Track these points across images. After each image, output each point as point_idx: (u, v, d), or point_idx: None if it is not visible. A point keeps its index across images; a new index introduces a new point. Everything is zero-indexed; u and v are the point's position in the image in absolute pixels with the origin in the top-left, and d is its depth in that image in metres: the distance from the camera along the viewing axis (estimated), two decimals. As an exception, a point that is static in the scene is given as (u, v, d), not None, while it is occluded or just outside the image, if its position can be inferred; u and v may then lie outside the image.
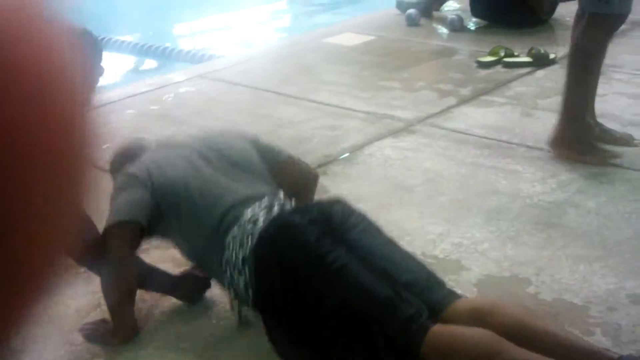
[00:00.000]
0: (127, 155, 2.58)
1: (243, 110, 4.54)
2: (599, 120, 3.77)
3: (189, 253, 2.43)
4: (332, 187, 3.40)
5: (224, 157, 2.44)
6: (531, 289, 2.58)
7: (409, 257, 2.25)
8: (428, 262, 2.75)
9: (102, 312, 2.48)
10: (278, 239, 2.16)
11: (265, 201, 2.29)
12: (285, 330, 2.15)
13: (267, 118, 4.38)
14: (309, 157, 3.75)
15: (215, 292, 2.54)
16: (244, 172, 2.42)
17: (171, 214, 2.32)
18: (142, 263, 2.42)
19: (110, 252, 2.20)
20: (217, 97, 4.85)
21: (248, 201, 2.29)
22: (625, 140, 3.77)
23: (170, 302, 2.55)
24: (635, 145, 3.75)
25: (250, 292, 2.17)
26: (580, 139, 3.60)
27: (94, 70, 2.34)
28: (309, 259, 2.09)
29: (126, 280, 2.26)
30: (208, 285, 2.53)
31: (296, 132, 4.14)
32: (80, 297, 2.61)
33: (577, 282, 2.60)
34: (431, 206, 3.23)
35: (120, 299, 2.27)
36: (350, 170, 3.64)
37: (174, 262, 2.75)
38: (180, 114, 4.52)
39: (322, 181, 3.13)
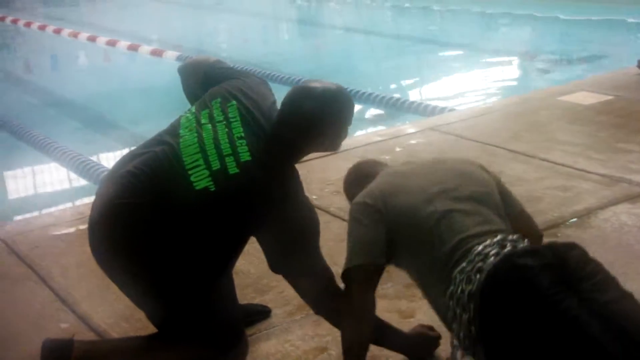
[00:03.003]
0: (361, 175, 2.61)
1: (472, 166, 4.52)
2: None
3: (416, 279, 2.40)
4: (562, 250, 3.30)
5: (461, 185, 2.39)
6: None
7: None
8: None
9: (328, 356, 2.57)
10: (508, 280, 2.08)
11: (498, 237, 2.22)
12: None
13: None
14: (539, 217, 3.65)
15: (441, 347, 2.54)
16: (481, 204, 2.36)
17: (402, 240, 2.32)
18: (377, 319, 2.45)
19: (351, 296, 2.25)
20: (447, 150, 4.88)
21: (481, 235, 2.24)
22: None
23: (395, 354, 2.58)
24: None
25: (473, 329, 2.12)
26: None
27: (344, 131, 2.46)
28: (540, 305, 1.99)
29: (366, 322, 2.27)
30: (438, 344, 2.54)
31: (526, 190, 4.06)
32: (309, 339, 2.71)
33: None
34: (672, 280, 3.04)
35: (357, 341, 2.29)
36: (583, 234, 3.51)
37: (399, 314, 2.79)
38: (409, 166, 4.59)
39: (553, 244, 3.05)
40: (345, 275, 2.30)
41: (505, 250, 2.17)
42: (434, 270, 2.25)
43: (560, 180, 4.23)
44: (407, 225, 2.32)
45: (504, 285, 2.08)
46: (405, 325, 2.64)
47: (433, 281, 2.26)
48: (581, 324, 1.95)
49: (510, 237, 2.25)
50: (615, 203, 3.85)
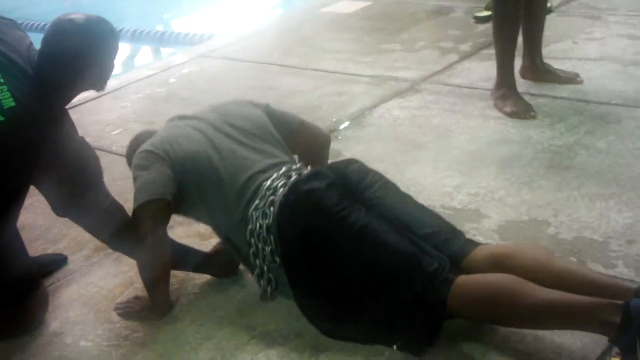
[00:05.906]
0: (142, 142, 2.60)
1: (249, 85, 4.58)
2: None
3: (213, 228, 2.47)
4: (345, 150, 3.45)
5: (238, 127, 2.45)
6: (551, 230, 2.62)
7: (426, 211, 2.28)
8: (447, 213, 2.81)
9: (134, 289, 2.54)
10: (299, 206, 2.18)
11: (283, 169, 2.32)
12: (313, 293, 2.18)
13: (274, 90, 4.41)
14: (319, 123, 3.74)
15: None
16: (259, 141, 2.43)
17: (191, 190, 2.34)
18: (174, 244, 2.45)
19: (142, 233, 2.23)
20: (222, 74, 4.89)
21: (267, 170, 2.32)
22: (570, 79, 3.97)
23: (201, 275, 2.60)
24: (580, 82, 3.92)
25: (277, 259, 2.21)
26: (503, 92, 3.74)
27: (111, 62, 2.37)
28: (331, 222, 2.11)
29: (161, 257, 2.29)
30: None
31: (304, 101, 4.18)
32: (111, 278, 2.66)
33: (595, 219, 2.65)
34: (445, 160, 3.27)
35: (156, 276, 2.31)
36: (362, 133, 3.68)
37: (199, 237, 2.81)
38: (187, 94, 4.56)
39: (335, 145, 3.17)
40: (135, 215, 2.27)
41: (292, 179, 2.27)
42: (228, 213, 2.31)
43: (334, 86, 4.38)
44: (194, 171, 2.34)
45: (296, 212, 2.18)
46: (207, 248, 2.66)
47: (231, 224, 2.31)
48: (372, 230, 2.09)
49: (294, 167, 2.36)
50: (386, 100, 4.06)
